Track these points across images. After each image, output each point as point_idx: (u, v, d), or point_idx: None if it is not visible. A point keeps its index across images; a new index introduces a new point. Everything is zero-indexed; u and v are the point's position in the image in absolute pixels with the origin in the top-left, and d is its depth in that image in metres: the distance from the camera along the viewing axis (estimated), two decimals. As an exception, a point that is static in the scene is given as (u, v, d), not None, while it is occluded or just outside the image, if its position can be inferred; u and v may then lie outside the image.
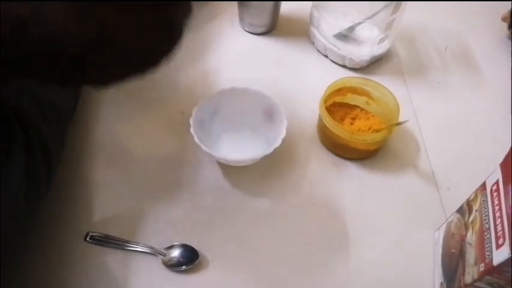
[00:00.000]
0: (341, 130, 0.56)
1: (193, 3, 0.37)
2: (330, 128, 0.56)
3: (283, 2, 0.74)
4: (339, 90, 0.61)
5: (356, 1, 0.66)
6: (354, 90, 0.62)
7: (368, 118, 0.61)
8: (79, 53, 0.31)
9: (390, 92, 0.59)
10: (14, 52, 0.30)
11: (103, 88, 0.35)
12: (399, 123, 0.56)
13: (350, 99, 0.63)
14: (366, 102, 0.62)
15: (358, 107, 0.63)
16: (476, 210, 0.43)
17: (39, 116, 0.48)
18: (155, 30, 0.33)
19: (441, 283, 0.47)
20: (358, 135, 0.56)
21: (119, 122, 0.62)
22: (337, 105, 0.63)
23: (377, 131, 0.59)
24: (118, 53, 0.32)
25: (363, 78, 0.62)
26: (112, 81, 0.34)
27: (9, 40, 0.29)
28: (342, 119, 0.61)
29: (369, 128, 0.60)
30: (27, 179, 0.44)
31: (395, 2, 0.62)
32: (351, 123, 0.61)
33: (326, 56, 0.73)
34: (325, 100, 0.59)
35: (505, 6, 0.77)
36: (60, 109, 0.53)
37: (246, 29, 0.76)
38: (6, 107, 0.44)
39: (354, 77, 0.63)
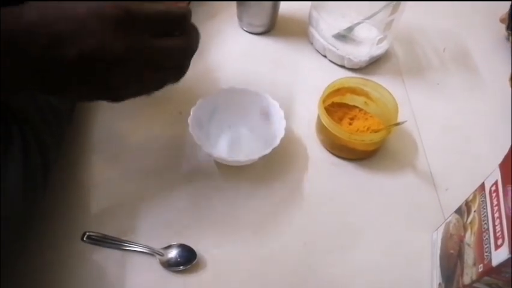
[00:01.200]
0: (339, 130, 0.56)
1: (192, 2, 0.40)
2: (329, 128, 0.56)
3: (282, 2, 0.73)
4: (338, 91, 0.61)
5: (355, 1, 0.66)
6: (353, 91, 0.62)
7: (366, 118, 0.61)
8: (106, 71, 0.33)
9: (389, 92, 0.59)
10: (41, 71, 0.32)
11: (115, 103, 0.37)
12: (398, 124, 0.56)
13: (349, 99, 0.63)
14: (365, 102, 0.62)
15: (357, 107, 0.63)
16: (474, 211, 0.43)
17: (36, 117, 0.48)
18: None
19: (439, 284, 0.47)
20: (357, 136, 0.56)
21: (117, 122, 0.61)
22: (336, 105, 0.63)
23: (376, 131, 0.58)
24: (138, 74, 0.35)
25: (362, 78, 0.62)
26: (127, 97, 0.37)
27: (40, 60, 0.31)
28: (340, 119, 0.61)
29: (367, 129, 0.60)
30: (24, 179, 0.44)
31: (393, 3, 0.62)
32: (350, 124, 0.61)
33: (325, 56, 0.73)
34: (324, 100, 0.59)
35: (503, 8, 0.77)
36: (58, 110, 0.53)
37: (245, 29, 0.76)
38: (3, 107, 0.44)
39: (353, 77, 0.63)
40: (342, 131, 0.56)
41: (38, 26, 0.31)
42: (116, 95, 0.37)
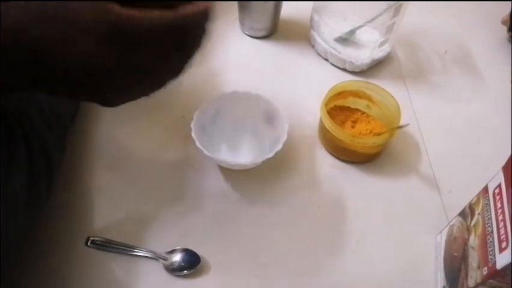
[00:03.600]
0: (342, 134, 0.56)
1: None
2: (332, 132, 0.56)
3: (283, 7, 0.74)
4: (340, 94, 0.61)
5: (357, 1, 0.66)
6: (355, 94, 0.62)
7: (369, 122, 0.61)
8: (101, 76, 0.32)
9: (391, 95, 0.59)
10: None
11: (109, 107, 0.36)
12: (400, 127, 0.56)
13: (351, 102, 0.63)
14: (367, 105, 0.62)
15: (359, 110, 0.63)
16: (478, 214, 0.43)
17: (40, 121, 0.48)
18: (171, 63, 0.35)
19: (443, 286, 0.47)
20: (359, 139, 0.56)
21: (120, 126, 0.62)
22: (338, 108, 0.63)
23: (378, 134, 0.59)
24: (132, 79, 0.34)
25: (364, 81, 0.62)
26: (121, 102, 0.36)
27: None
28: (343, 123, 0.61)
29: (370, 132, 0.60)
30: (28, 183, 0.44)
31: (395, 6, 0.62)
32: (352, 127, 0.61)
33: (327, 60, 0.73)
34: (326, 103, 0.59)
35: (505, 9, 0.77)
36: (61, 114, 0.53)
37: (247, 33, 0.76)
38: (6, 112, 0.44)
39: (355, 80, 0.63)
40: (344, 134, 0.56)
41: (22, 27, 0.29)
42: (106, 102, 0.35)
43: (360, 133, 0.60)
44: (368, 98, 0.62)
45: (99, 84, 0.32)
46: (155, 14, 0.31)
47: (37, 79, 0.31)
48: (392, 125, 0.57)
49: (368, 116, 0.62)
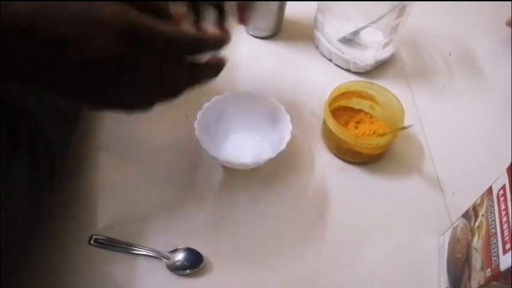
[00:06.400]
0: (345, 134, 0.56)
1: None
2: (335, 132, 0.56)
3: (287, 7, 0.74)
4: (344, 94, 0.61)
5: (361, 1, 0.66)
6: (359, 94, 0.62)
7: (372, 122, 0.61)
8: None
9: (395, 96, 0.59)
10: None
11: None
12: (404, 128, 0.56)
13: (355, 103, 0.63)
14: (371, 106, 0.62)
15: (362, 111, 0.63)
16: (482, 215, 0.42)
17: (44, 118, 0.48)
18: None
19: (446, 288, 0.47)
20: (363, 140, 0.56)
21: (124, 125, 0.62)
22: (341, 109, 0.63)
23: (382, 135, 0.58)
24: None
25: (368, 82, 0.62)
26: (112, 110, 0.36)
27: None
28: (346, 123, 0.61)
29: (373, 132, 0.60)
30: (31, 181, 0.44)
31: (399, 7, 0.62)
32: (356, 128, 0.61)
33: (330, 60, 0.73)
34: (329, 104, 0.59)
35: (509, 11, 0.77)
36: (65, 111, 0.53)
37: (251, 33, 0.76)
38: (10, 108, 0.44)
39: (359, 81, 0.63)
40: (348, 135, 0.56)
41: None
42: (98, 106, 0.36)
43: (363, 134, 0.60)
44: (372, 99, 0.62)
45: (106, 84, 0.33)
46: (171, 28, 0.33)
47: (43, 73, 0.31)
48: (395, 126, 0.57)
49: (371, 116, 0.62)
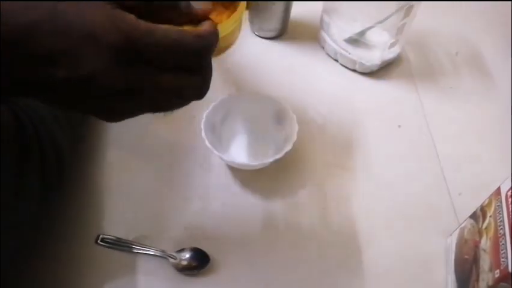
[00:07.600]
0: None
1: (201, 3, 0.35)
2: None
3: (293, 7, 0.74)
4: None
5: (368, 1, 0.66)
6: None
7: None
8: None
9: None
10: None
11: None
12: None
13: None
14: None
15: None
16: (490, 216, 0.42)
17: (51, 119, 0.49)
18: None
19: (454, 289, 0.47)
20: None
21: (130, 126, 0.61)
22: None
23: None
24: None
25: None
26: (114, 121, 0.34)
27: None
28: None
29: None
30: (39, 181, 0.44)
31: (406, 7, 0.62)
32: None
33: (336, 61, 0.73)
34: None
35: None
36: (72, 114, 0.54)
37: (256, 33, 0.76)
38: (18, 110, 0.45)
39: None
40: None
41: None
42: (104, 117, 0.34)
43: None
44: None
45: (97, 101, 0.30)
46: (172, 27, 0.29)
47: (33, 86, 0.27)
48: None
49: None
